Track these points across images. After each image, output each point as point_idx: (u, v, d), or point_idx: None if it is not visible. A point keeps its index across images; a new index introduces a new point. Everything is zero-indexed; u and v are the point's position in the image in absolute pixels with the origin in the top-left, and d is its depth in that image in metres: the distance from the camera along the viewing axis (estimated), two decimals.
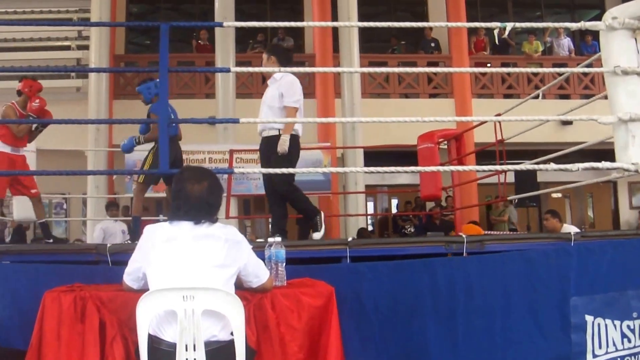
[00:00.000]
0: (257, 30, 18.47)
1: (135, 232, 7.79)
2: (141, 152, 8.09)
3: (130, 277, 3.83)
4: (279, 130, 6.49)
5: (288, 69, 6.23)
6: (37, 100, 8.49)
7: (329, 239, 9.05)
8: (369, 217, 19.01)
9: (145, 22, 20.06)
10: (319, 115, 16.38)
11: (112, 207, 12.43)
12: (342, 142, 15.71)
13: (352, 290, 4.46)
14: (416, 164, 10.78)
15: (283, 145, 6.43)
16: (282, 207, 6.77)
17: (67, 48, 16.49)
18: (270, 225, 7.04)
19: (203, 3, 18.99)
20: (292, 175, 6.61)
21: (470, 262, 4.49)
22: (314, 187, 14.71)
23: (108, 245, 5.09)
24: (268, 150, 6.60)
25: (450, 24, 14.00)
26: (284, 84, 6.56)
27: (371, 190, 19.13)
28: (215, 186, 3.74)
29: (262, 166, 6.74)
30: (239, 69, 5.99)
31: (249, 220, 18.19)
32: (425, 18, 19.86)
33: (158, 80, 8.54)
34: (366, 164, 15.50)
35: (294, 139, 6.63)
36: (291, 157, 6.58)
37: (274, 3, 20.42)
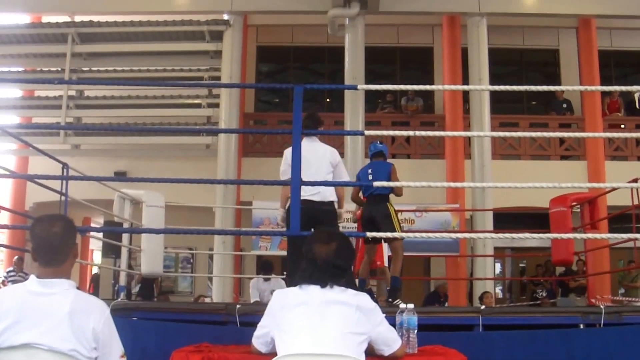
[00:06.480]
0: (387, 90, 18.57)
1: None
2: (266, 209, 8.12)
3: (259, 340, 3.79)
4: None
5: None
6: None
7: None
8: (497, 280, 18.63)
9: (277, 82, 20.47)
10: (448, 176, 16.30)
11: (266, 267, 12.18)
12: (472, 203, 15.52)
13: (485, 359, 4.35)
14: (547, 226, 10.56)
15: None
16: None
17: (198, 106, 16.92)
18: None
19: (332, 62, 19.26)
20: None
21: (609, 333, 4.33)
22: (442, 249, 14.59)
23: (237, 306, 5.13)
24: None
25: (586, 88, 13.59)
26: None
27: (500, 254, 18.77)
28: (344, 248, 3.70)
29: None
30: (372, 132, 6.03)
31: (375, 280, 18.11)
32: (557, 78, 19.51)
33: None
34: (495, 226, 15.27)
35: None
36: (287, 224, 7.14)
37: (404, 63, 20.51)
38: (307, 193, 6.80)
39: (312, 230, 6.66)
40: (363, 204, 8.30)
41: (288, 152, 7.16)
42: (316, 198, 6.97)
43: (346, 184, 8.08)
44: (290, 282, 6.84)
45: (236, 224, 15.86)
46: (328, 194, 7.04)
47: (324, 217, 6.99)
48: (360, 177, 8.18)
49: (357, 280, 8.11)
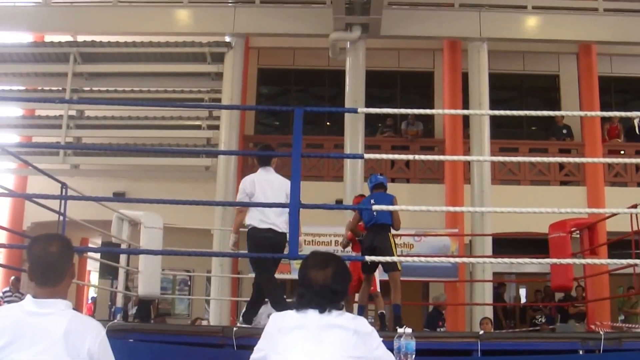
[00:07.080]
0: (387, 114, 18.59)
1: None
2: None
3: None
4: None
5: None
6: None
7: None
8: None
9: (277, 104, 20.46)
10: (448, 200, 16.28)
11: None
12: (471, 228, 15.49)
13: None
14: (546, 252, 10.56)
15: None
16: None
17: (198, 127, 16.99)
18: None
19: (333, 86, 19.29)
20: (265, 266, 7.18)
21: None
22: (441, 274, 14.54)
23: (234, 328, 5.11)
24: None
25: (586, 113, 13.61)
26: None
27: (499, 279, 18.70)
28: (340, 272, 3.64)
29: None
30: (372, 156, 6.02)
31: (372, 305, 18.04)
32: (557, 104, 19.53)
33: None
34: (495, 251, 15.23)
35: (251, 231, 7.24)
36: (250, 249, 7.35)
37: (404, 87, 20.52)
38: (270, 223, 7.09)
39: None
40: (363, 235, 8.39)
41: (245, 182, 7.47)
42: (277, 229, 7.14)
43: (352, 207, 8.09)
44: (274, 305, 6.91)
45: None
46: (284, 226, 7.11)
47: (282, 249, 7.21)
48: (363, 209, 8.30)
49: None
